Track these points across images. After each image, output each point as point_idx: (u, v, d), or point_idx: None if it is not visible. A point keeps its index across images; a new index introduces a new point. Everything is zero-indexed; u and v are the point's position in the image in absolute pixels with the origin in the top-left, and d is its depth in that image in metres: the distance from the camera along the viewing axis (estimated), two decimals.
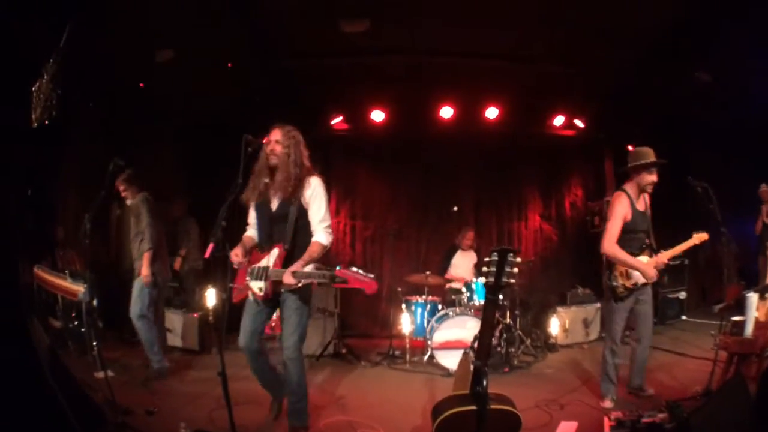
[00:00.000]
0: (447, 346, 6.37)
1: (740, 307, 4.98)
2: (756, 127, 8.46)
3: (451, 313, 6.65)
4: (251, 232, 4.34)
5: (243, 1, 6.18)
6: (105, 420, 3.80)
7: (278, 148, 4.07)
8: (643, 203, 5.12)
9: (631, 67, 7.89)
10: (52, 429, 2.71)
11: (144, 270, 5.69)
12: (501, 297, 6.85)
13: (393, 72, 8.30)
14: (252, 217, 4.34)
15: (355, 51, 7.55)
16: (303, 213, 4.09)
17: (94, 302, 5.80)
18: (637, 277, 4.98)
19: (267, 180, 4.13)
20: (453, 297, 7.15)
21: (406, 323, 7.17)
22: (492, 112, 9.13)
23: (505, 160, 9.74)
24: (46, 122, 3.38)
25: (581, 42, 7.22)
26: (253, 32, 6.94)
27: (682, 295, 9.16)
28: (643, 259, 4.99)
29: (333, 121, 9.26)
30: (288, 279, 3.83)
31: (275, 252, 4.02)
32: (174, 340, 7.23)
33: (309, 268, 4.00)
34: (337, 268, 3.73)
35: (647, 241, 5.11)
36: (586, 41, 7.19)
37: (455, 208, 8.06)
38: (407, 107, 9.10)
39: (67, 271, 5.89)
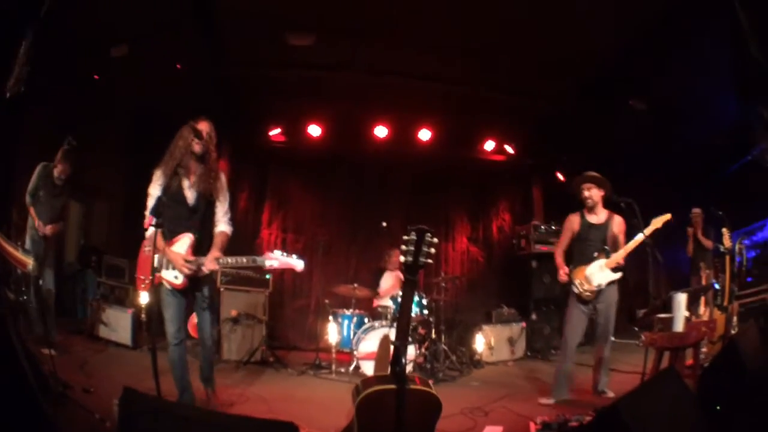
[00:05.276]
0: (372, 356, 6.37)
1: (666, 308, 5.24)
2: (688, 157, 8.76)
3: (377, 324, 6.73)
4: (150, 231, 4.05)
5: (201, 5, 6.30)
6: (50, 389, 3.99)
7: (207, 139, 4.17)
8: (600, 218, 5.66)
9: (563, 96, 8.23)
10: (13, 389, 2.90)
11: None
12: (426, 311, 7.07)
13: (333, 88, 8.41)
14: (152, 199, 4.04)
15: (298, 65, 7.68)
16: (210, 204, 4.28)
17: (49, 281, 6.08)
18: (598, 280, 5.43)
19: (187, 166, 4.18)
20: (380, 311, 7.20)
21: (332, 333, 7.16)
22: (425, 134, 9.36)
23: (435, 182, 9.93)
24: (15, 96, 3.38)
25: (515, 70, 7.55)
26: (204, 36, 6.98)
27: None
28: (600, 261, 5.40)
29: (271, 132, 9.28)
30: (212, 265, 4.05)
31: (187, 241, 4.13)
32: (109, 334, 7.05)
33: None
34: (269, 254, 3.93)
35: (605, 247, 5.55)
36: (520, 69, 7.52)
37: (384, 224, 8.15)
38: (344, 124, 9.24)
39: (19, 242, 5.74)
